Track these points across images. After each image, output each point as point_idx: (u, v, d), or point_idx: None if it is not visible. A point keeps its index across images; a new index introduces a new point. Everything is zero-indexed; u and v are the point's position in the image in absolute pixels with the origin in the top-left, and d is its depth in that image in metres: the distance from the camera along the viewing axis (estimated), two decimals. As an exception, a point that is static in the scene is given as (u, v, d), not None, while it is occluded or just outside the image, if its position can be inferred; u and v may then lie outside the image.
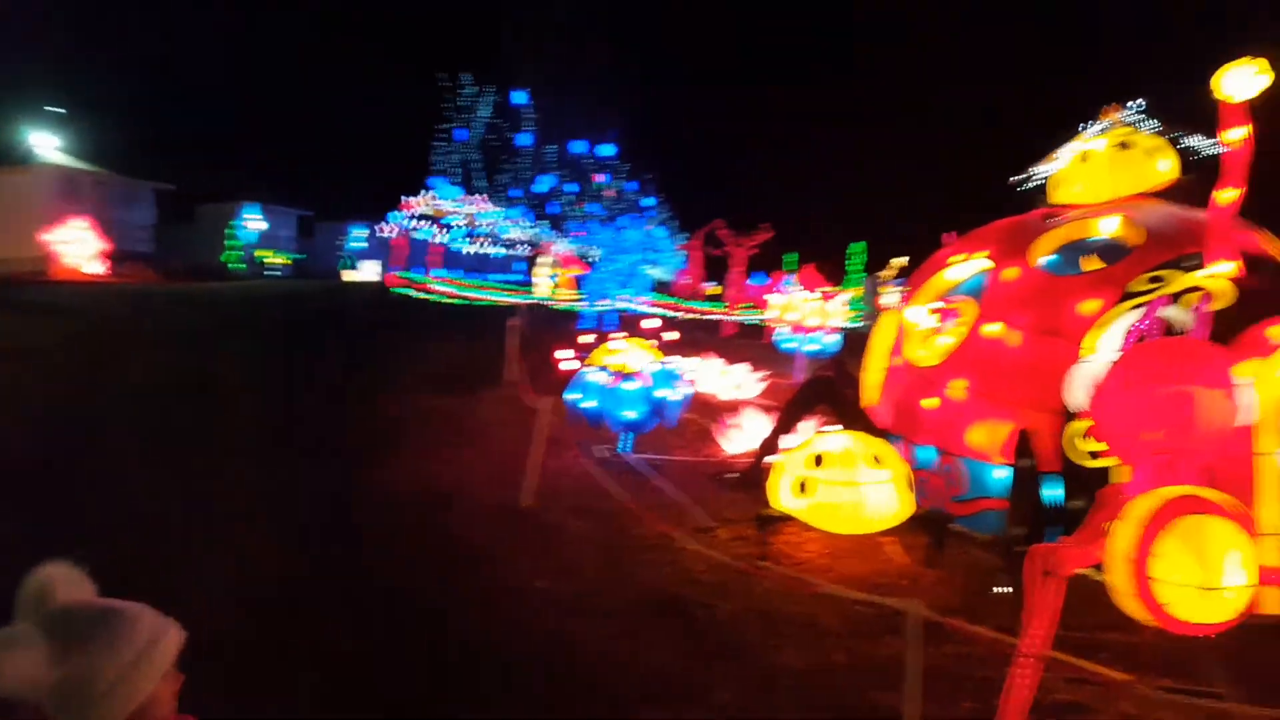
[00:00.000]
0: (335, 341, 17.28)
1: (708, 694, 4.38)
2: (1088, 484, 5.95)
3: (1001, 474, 6.72)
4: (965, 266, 8.26)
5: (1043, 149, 8.94)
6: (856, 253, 30.79)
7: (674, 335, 10.33)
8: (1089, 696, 4.46)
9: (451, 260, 48.41)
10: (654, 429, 9.60)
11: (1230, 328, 5.72)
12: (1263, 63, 5.03)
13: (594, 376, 9.47)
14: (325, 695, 4.19)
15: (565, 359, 11.16)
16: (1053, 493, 6.30)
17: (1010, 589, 5.75)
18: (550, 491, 7.71)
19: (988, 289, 7.71)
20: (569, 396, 9.52)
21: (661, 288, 39.85)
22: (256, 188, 41.09)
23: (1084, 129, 8.44)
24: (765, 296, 17.52)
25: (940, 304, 8.15)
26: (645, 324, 10.61)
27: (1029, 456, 6.29)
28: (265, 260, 39.12)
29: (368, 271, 41.85)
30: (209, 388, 11.60)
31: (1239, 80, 5.13)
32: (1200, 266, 6.26)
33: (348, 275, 40.62)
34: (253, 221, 38.63)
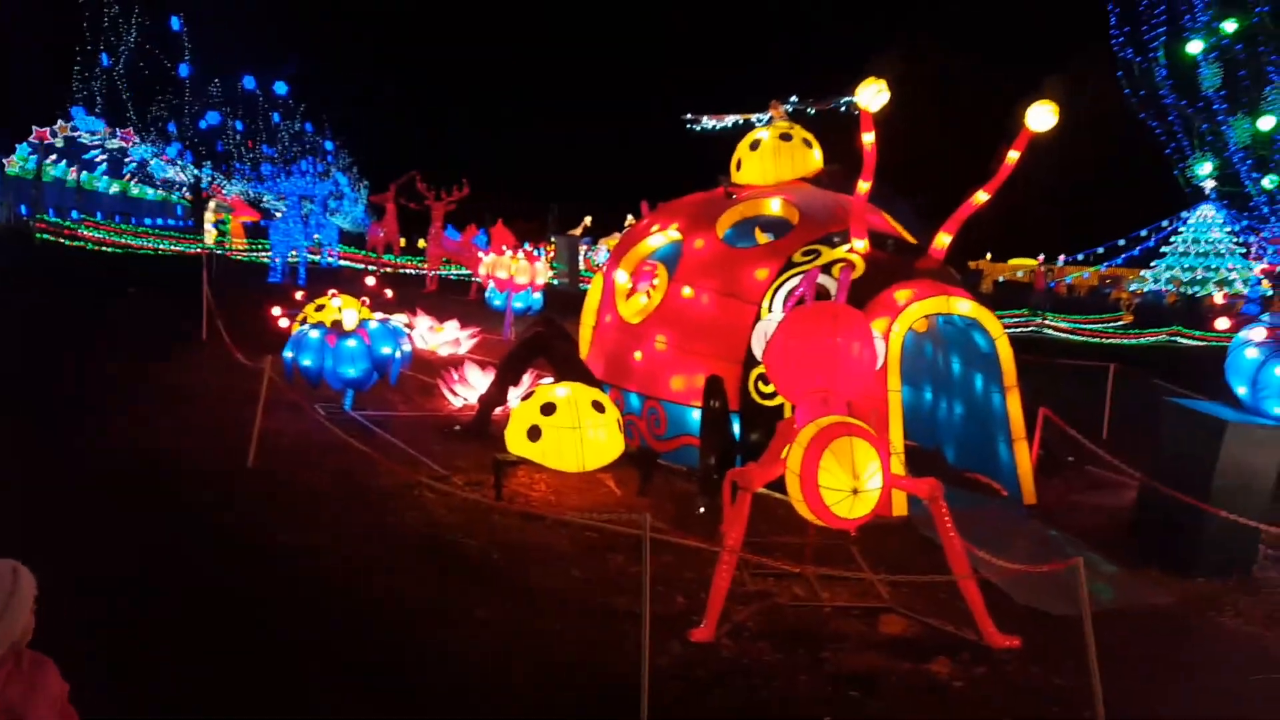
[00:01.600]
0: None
1: (469, 614, 4.97)
2: (764, 419, 7.29)
3: (697, 415, 7.90)
4: (660, 236, 9.39)
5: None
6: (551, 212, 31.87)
7: (390, 293, 10.41)
8: (771, 585, 5.68)
9: (92, 202, 42.58)
10: (375, 386, 9.78)
11: (867, 291, 7.27)
12: (883, 82, 6.42)
13: (311, 334, 9.42)
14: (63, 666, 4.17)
15: (278, 316, 10.84)
16: (737, 428, 7.58)
17: (704, 510, 6.95)
18: (277, 450, 7.72)
19: (681, 257, 8.87)
20: (286, 355, 9.39)
21: (350, 239, 38.25)
22: None
23: (757, 120, 9.87)
24: (479, 254, 17.84)
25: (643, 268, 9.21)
26: (368, 281, 10.56)
27: (718, 399, 7.48)
28: None
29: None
30: None
31: (869, 94, 6.50)
32: (845, 242, 7.81)
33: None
34: None
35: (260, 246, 30.98)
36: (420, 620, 4.87)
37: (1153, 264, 49.26)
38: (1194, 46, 13.23)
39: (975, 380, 8.09)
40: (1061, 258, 56.12)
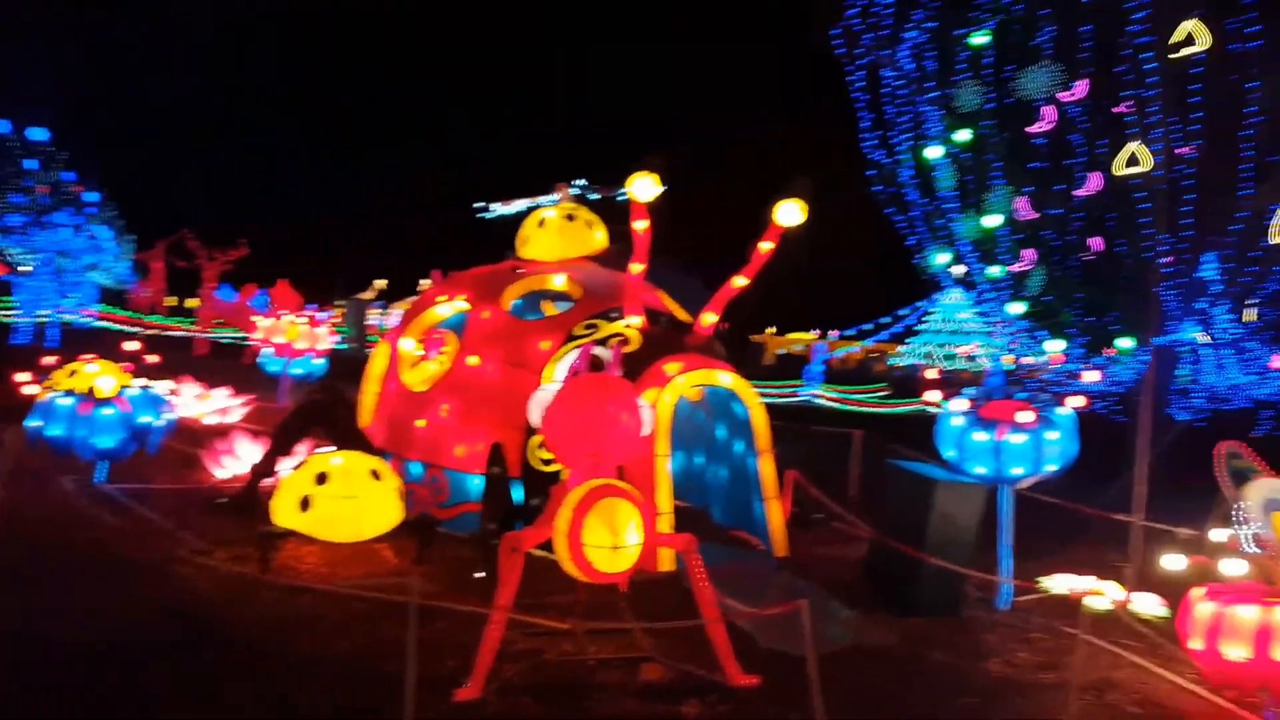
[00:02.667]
0: None
1: (219, 693, 4.85)
2: (544, 484, 7.59)
3: (478, 482, 8.07)
4: (448, 306, 9.60)
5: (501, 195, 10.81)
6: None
7: (155, 358, 9.85)
8: (541, 643, 5.93)
9: None
10: (133, 457, 9.21)
11: (640, 363, 7.83)
12: (656, 176, 7.10)
13: (61, 401, 8.78)
14: None
15: (25, 382, 9.97)
16: (517, 493, 7.83)
17: (485, 574, 7.10)
18: (23, 522, 7.13)
19: (468, 326, 9.12)
20: (31, 424, 8.67)
21: (111, 298, 35.25)
22: None
23: (542, 200, 10.43)
24: (253, 317, 17.10)
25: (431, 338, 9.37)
26: (126, 345, 9.91)
27: (499, 465, 7.72)
28: None
29: None
30: None
31: (642, 186, 7.15)
32: (621, 317, 8.38)
33: None
34: None
35: (4, 304, 28.03)
36: (166, 703, 4.70)
37: (907, 340, 54.57)
38: (933, 152, 15.15)
39: (736, 445, 8.83)
40: (834, 333, 60.89)
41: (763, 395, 8.71)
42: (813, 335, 57.07)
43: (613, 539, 5.07)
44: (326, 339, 16.77)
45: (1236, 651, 5.39)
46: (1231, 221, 12.74)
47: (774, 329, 69.43)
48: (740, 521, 8.68)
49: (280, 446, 9.05)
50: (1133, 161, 12.65)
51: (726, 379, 8.09)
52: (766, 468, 8.23)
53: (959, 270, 15.67)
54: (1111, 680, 6.22)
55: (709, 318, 8.21)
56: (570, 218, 9.97)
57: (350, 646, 5.64)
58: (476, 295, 9.37)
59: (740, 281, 7.86)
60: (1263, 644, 5.29)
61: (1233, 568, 5.82)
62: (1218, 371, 14.16)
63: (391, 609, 6.10)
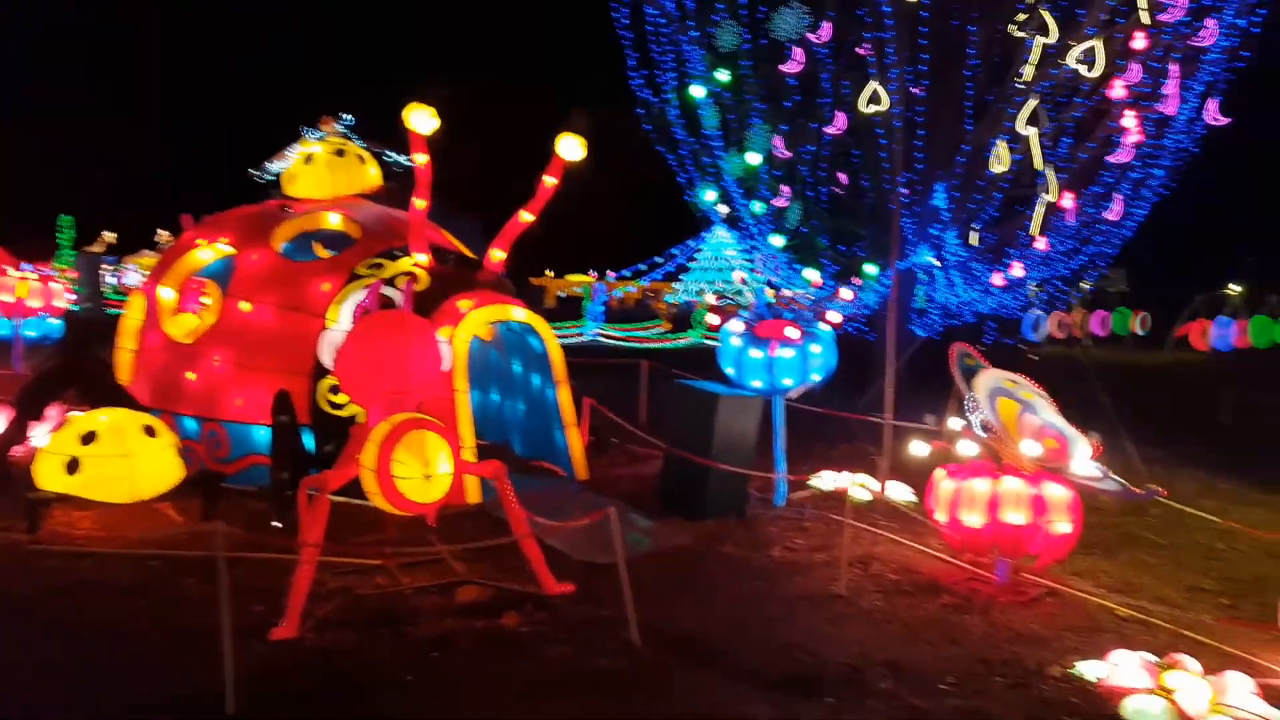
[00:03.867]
0: None
1: (25, 655, 4.51)
2: (337, 429, 7.43)
3: (264, 433, 7.74)
4: (209, 251, 8.94)
5: (267, 144, 10.18)
6: (66, 226, 27.70)
7: None
8: (353, 581, 5.90)
9: None
10: None
11: (431, 302, 7.77)
12: (433, 110, 6.98)
13: None
14: None
15: None
16: (309, 441, 7.60)
17: (280, 525, 6.89)
18: None
19: (235, 271, 8.57)
20: None
21: None
22: None
23: (305, 133, 9.91)
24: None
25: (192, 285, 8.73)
26: None
27: (286, 413, 7.44)
28: None
29: None
30: None
31: (420, 118, 7.02)
32: (407, 255, 8.24)
33: None
34: None
35: None
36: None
37: (681, 278, 56.85)
38: (696, 91, 15.76)
39: (533, 379, 9.02)
40: (610, 274, 62.10)
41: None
42: (590, 277, 57.96)
43: (424, 469, 5.13)
44: (62, 296, 15.05)
45: (973, 519, 6.36)
46: (957, 154, 14.38)
47: (551, 272, 69.77)
48: (541, 452, 8.93)
49: (28, 413, 8.17)
50: (874, 100, 13.92)
51: (520, 314, 8.21)
52: (565, 397, 8.50)
53: (724, 209, 16.60)
54: (873, 554, 7.12)
55: (498, 254, 8.26)
56: (340, 153, 9.55)
57: (147, 605, 5.36)
58: (241, 238, 8.82)
59: (526, 217, 7.95)
60: (993, 511, 6.27)
61: (967, 449, 6.81)
62: (949, 290, 16.05)
63: (184, 565, 5.84)
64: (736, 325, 8.25)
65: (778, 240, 15.75)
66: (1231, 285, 35.02)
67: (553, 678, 4.70)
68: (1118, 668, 4.97)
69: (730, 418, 7.70)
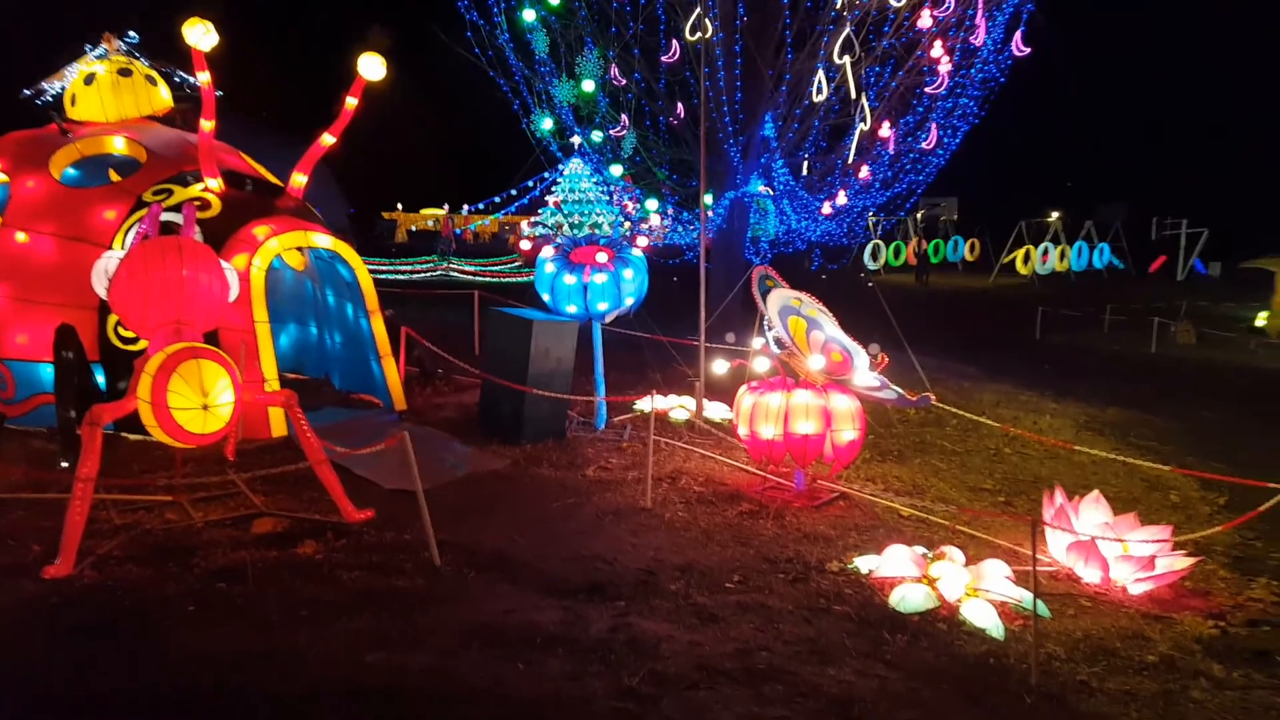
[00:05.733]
0: None
1: None
2: (129, 363, 7.05)
3: (50, 370, 7.26)
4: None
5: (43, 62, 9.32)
6: None
7: None
8: (141, 517, 5.71)
9: None
10: None
11: (226, 228, 7.42)
12: (209, 24, 6.58)
13: None
14: None
15: None
16: (100, 377, 7.20)
17: (69, 465, 6.54)
18: None
19: (10, 199, 7.91)
20: None
21: None
22: None
23: (87, 51, 9.12)
24: None
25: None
26: None
27: (70, 348, 7.00)
28: None
29: None
30: None
31: (196, 34, 6.59)
32: (198, 181, 7.80)
33: None
34: None
35: None
36: None
37: (539, 211, 56.12)
38: (528, 15, 15.39)
39: (347, 309, 8.81)
40: (465, 207, 60.56)
41: (400, 272, 8.69)
42: (442, 211, 56.36)
43: (202, 399, 4.98)
44: None
45: (769, 430, 6.73)
46: (780, 83, 14.71)
47: (401, 206, 67.48)
48: (361, 384, 8.78)
49: None
50: (699, 28, 13.99)
51: (324, 240, 7.96)
52: (378, 326, 8.36)
53: (576, 140, 16.45)
54: (683, 469, 7.45)
55: (299, 178, 7.95)
56: (124, 73, 8.85)
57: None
58: (16, 164, 8.12)
59: (328, 140, 7.66)
60: (786, 423, 6.64)
61: (762, 366, 7.17)
62: (779, 219, 16.57)
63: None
64: (549, 251, 8.29)
65: (616, 170, 15.79)
66: (1050, 213, 37.79)
67: (345, 599, 4.73)
68: (890, 560, 5.43)
69: (545, 342, 7.78)
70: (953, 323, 19.67)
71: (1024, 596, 4.94)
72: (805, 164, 16.40)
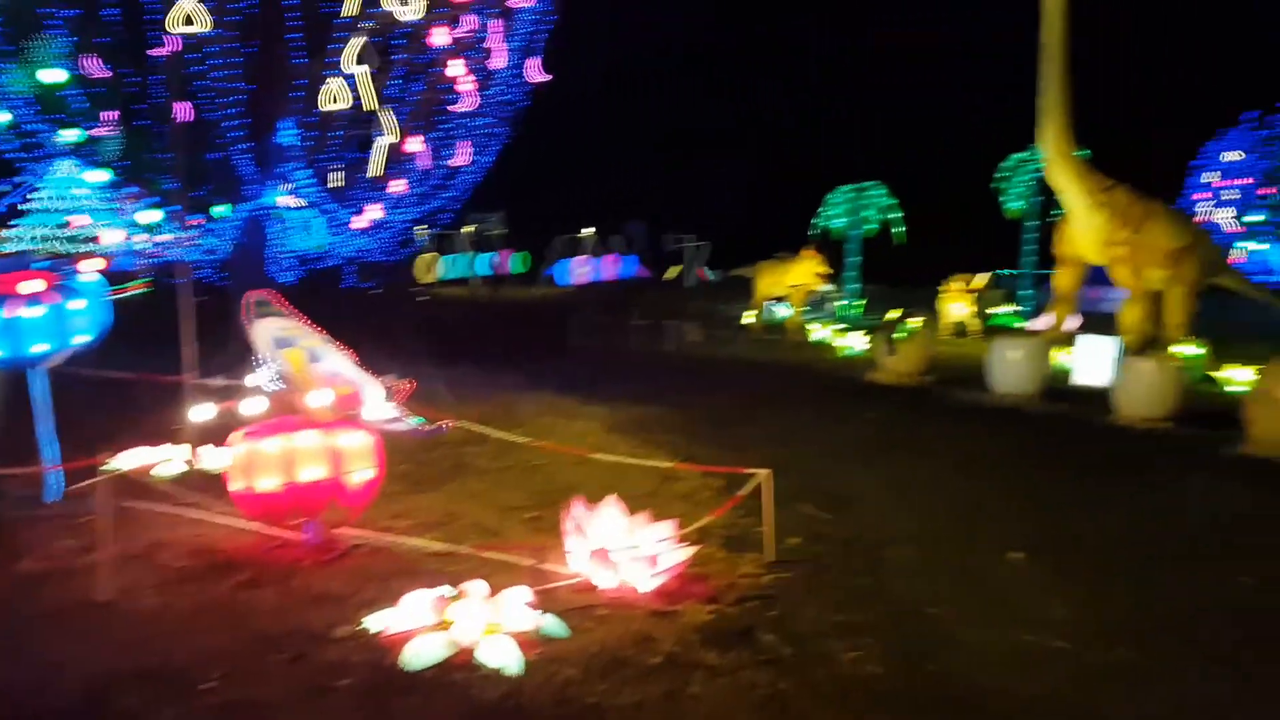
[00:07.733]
0: None
1: None
2: None
3: None
4: None
5: None
6: None
7: None
8: None
9: None
10: None
11: None
12: None
13: None
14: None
15: None
16: None
17: None
18: None
19: None
20: None
21: None
22: None
23: None
24: None
25: None
26: None
27: None
28: None
29: None
30: None
31: None
32: None
33: None
34: None
35: None
36: None
37: (12, 223, 46.52)
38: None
39: None
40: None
41: None
42: None
43: None
44: None
45: (269, 482, 5.77)
46: (295, 89, 13.56)
47: None
48: None
49: None
50: (188, 21, 12.25)
51: None
52: None
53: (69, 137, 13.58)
54: (165, 541, 6.16)
55: None
56: None
57: None
58: None
59: None
60: (289, 470, 5.75)
61: (254, 407, 6.19)
62: (305, 233, 15.30)
63: None
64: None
65: (98, 175, 13.34)
66: (584, 229, 40.85)
67: None
68: (403, 612, 4.85)
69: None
70: (499, 333, 20.06)
71: (543, 622, 4.72)
72: (332, 176, 15.37)
